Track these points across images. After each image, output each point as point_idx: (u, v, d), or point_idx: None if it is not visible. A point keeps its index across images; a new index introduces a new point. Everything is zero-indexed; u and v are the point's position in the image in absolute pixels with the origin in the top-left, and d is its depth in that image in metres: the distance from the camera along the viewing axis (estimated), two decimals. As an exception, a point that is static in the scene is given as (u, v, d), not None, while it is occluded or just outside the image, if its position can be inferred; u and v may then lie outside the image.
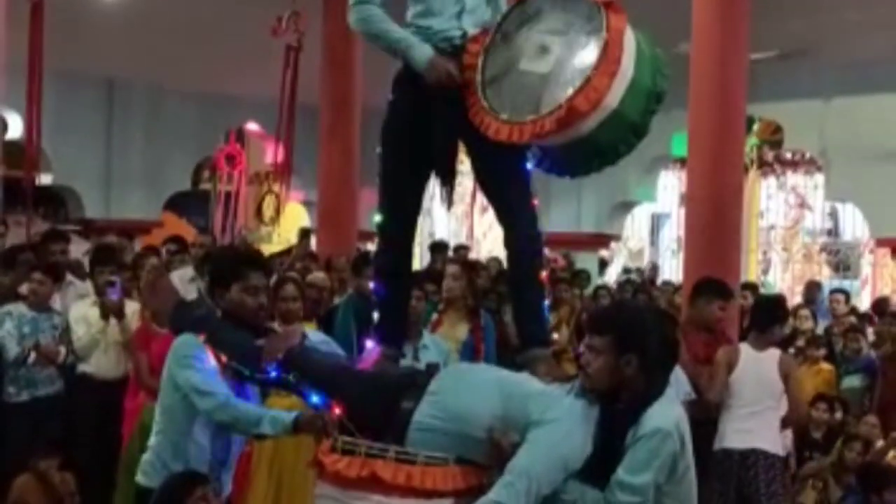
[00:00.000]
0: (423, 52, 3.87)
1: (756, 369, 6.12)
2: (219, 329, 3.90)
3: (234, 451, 4.08)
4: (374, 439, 3.39)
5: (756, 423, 6.09)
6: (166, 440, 3.91)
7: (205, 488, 3.82)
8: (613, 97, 3.62)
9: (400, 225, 4.15)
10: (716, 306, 6.39)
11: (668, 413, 3.32)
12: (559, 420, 3.27)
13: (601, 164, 3.89)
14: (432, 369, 3.79)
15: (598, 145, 3.78)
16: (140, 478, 4.00)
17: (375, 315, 4.26)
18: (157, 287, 4.36)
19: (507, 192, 4.01)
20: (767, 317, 6.42)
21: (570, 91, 3.60)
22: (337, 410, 3.54)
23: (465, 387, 3.52)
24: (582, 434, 3.28)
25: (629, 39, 3.68)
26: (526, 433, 3.29)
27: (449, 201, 4.16)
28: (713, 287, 6.53)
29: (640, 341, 3.32)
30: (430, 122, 3.93)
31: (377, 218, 4.15)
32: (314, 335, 4.10)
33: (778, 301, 7.18)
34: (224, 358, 3.86)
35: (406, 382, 3.66)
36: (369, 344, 4.27)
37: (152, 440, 4.00)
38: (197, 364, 3.77)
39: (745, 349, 6.26)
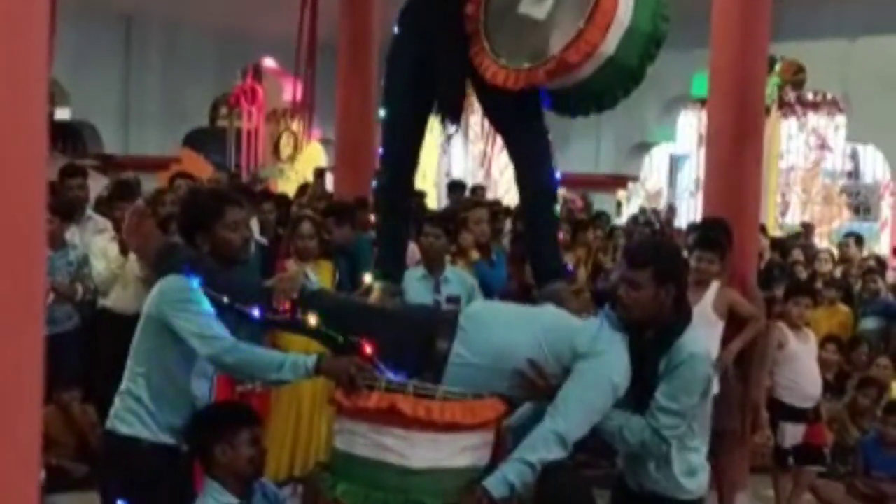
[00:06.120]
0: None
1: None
2: (217, 271, 3.61)
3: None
4: (410, 377, 3.32)
5: None
6: (151, 386, 3.54)
7: (253, 430, 3.50)
8: (608, 46, 3.59)
9: (402, 160, 4.11)
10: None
11: (698, 339, 3.52)
12: (607, 351, 3.36)
13: (599, 108, 3.89)
14: (456, 304, 3.77)
15: (595, 91, 3.77)
16: (117, 425, 3.58)
17: (375, 251, 4.22)
18: (141, 229, 4.06)
19: (514, 130, 4.01)
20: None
21: (563, 42, 3.56)
22: (368, 349, 3.38)
23: (500, 322, 3.53)
24: (626, 363, 3.38)
25: None
26: (573, 364, 3.35)
27: (457, 129, 4.11)
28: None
29: (678, 271, 3.54)
30: (434, 57, 3.90)
31: (380, 151, 4.12)
32: (311, 276, 3.99)
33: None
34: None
35: (436, 319, 3.64)
36: (367, 279, 4.22)
37: (128, 384, 3.60)
38: (194, 307, 3.46)
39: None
